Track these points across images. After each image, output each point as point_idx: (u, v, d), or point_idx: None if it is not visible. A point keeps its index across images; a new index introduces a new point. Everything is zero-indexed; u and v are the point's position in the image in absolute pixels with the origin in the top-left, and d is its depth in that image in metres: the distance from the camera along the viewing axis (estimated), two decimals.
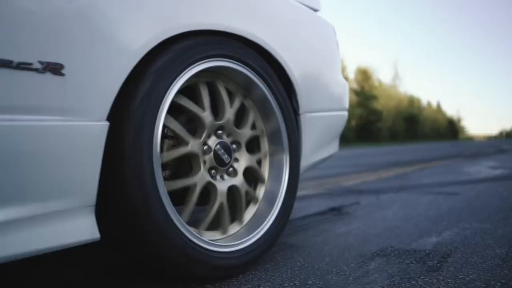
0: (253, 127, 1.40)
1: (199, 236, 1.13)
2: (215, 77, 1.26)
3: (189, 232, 1.10)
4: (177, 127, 1.14)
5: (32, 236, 0.81)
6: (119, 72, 0.92)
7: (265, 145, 1.42)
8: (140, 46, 0.96)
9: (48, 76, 0.81)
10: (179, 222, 1.07)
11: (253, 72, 1.30)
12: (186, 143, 1.16)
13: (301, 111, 1.50)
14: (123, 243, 1.05)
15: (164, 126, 1.15)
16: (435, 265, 1.26)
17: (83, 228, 0.89)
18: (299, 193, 3.17)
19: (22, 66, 0.78)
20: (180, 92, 1.18)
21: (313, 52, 1.60)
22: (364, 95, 40.22)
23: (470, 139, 78.99)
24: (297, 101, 1.48)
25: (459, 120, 78.01)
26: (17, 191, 0.79)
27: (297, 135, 1.46)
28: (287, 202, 1.39)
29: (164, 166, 1.18)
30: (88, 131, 0.87)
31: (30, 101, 0.79)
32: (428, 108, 64.36)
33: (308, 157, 1.58)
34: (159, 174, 1.02)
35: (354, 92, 40.10)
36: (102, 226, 0.97)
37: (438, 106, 68.96)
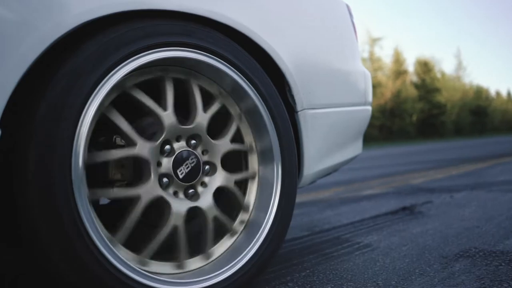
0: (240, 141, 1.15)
1: (141, 270, 0.89)
2: (188, 75, 1.03)
3: (127, 266, 0.86)
4: (122, 124, 0.92)
5: None
6: (12, 65, 0.74)
7: (253, 163, 1.14)
8: (49, 30, 0.77)
9: None
10: (112, 254, 0.84)
11: (221, 61, 1.03)
12: (133, 144, 0.92)
13: (299, 107, 1.22)
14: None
15: (114, 132, 0.98)
16: None
17: None
18: (367, 192, 3.13)
19: None
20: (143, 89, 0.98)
21: (314, 36, 1.31)
22: (426, 88, 38.35)
23: None
24: (292, 96, 1.21)
25: None
26: None
27: (291, 138, 1.17)
28: (275, 233, 1.09)
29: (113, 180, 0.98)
30: None
31: None
32: (498, 99, 59.96)
33: (313, 163, 1.28)
34: (81, 192, 0.81)
35: (414, 85, 38.38)
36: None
37: (509, 95, 64.05)
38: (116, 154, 0.91)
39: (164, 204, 0.96)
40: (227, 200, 1.14)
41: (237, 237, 1.09)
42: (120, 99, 0.96)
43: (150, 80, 0.99)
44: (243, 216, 1.12)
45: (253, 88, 1.08)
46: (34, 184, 0.76)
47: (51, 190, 0.77)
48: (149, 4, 0.91)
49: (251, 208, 1.12)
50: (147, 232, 0.99)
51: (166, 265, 0.98)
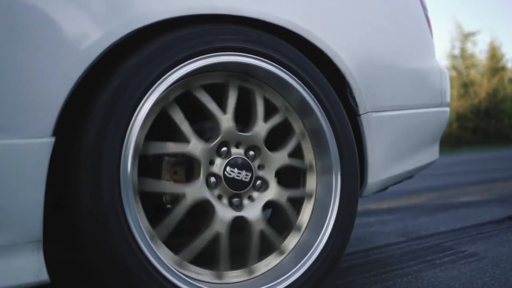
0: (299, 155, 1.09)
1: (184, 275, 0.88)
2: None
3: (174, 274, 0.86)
4: (180, 120, 0.92)
5: None
6: (65, 75, 0.76)
7: (311, 182, 1.09)
8: (97, 40, 0.78)
9: None
10: (158, 260, 0.84)
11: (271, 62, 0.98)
12: (186, 141, 0.92)
13: (361, 110, 1.13)
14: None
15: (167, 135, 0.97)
16: None
17: (23, 269, 0.74)
18: (464, 199, 2.94)
19: None
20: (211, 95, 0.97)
21: (378, 32, 1.21)
22: None
23: None
24: (354, 98, 1.13)
25: None
26: None
27: (355, 160, 1.09)
28: (326, 257, 1.02)
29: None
30: (22, 150, 0.73)
31: None
32: None
33: (379, 171, 1.19)
34: (130, 204, 0.82)
35: None
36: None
37: None
38: (169, 147, 0.92)
39: (209, 208, 0.94)
40: (278, 218, 1.10)
41: (285, 257, 1.03)
42: (186, 102, 0.97)
43: (216, 84, 0.99)
44: (294, 236, 1.05)
45: (319, 106, 1.03)
46: (82, 185, 0.78)
47: (99, 194, 0.78)
48: (200, 9, 0.90)
49: (303, 228, 1.06)
50: (191, 235, 0.97)
51: (205, 272, 0.95)
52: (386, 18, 1.26)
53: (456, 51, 13.70)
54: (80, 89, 0.81)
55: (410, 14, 1.35)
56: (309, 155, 1.09)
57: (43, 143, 0.74)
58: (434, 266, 1.36)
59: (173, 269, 0.86)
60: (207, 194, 0.93)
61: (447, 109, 1.48)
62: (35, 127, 0.74)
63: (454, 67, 13.66)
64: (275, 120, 1.03)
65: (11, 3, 0.73)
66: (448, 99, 1.48)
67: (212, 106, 0.95)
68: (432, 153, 1.45)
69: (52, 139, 0.75)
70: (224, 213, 0.94)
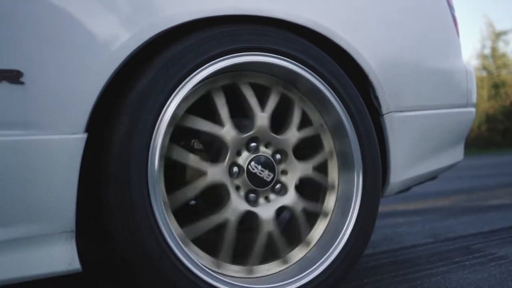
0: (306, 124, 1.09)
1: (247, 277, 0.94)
2: (236, 77, 1.00)
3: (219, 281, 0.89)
4: (187, 159, 0.93)
5: None
6: (97, 74, 0.80)
7: (328, 140, 1.09)
8: (127, 41, 0.82)
9: (4, 85, 0.73)
10: (194, 265, 0.87)
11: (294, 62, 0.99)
12: (203, 173, 0.93)
13: (384, 110, 1.13)
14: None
15: (194, 136, 1.02)
16: None
17: (57, 257, 0.78)
18: (493, 202, 2.87)
19: None
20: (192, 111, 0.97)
21: (403, 31, 1.21)
22: None
23: None
24: (377, 97, 1.13)
25: None
26: None
27: (373, 142, 1.09)
28: (368, 204, 1.06)
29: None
30: (57, 146, 0.77)
31: None
32: None
33: (402, 171, 1.18)
34: (157, 197, 0.85)
35: None
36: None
37: None
38: (204, 125, 0.95)
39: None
40: (310, 186, 1.12)
41: (331, 217, 1.07)
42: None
43: (200, 98, 0.98)
44: (331, 196, 1.09)
45: (340, 102, 1.04)
46: (112, 181, 0.82)
47: (128, 190, 0.82)
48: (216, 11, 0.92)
49: (336, 185, 1.09)
50: (246, 237, 1.00)
51: (272, 265, 1.00)
52: (410, 17, 1.25)
53: (487, 51, 13.31)
54: (111, 86, 0.84)
55: (436, 13, 1.34)
56: (315, 116, 1.08)
57: (76, 139, 0.78)
58: (463, 268, 1.35)
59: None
60: (244, 206, 0.96)
61: (473, 109, 1.46)
62: (69, 124, 0.78)
63: (484, 67, 13.26)
64: (272, 102, 1.02)
65: (47, 8, 0.78)
66: (474, 99, 1.46)
67: (207, 127, 0.96)
68: (456, 154, 1.43)
69: (85, 135, 0.80)
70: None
